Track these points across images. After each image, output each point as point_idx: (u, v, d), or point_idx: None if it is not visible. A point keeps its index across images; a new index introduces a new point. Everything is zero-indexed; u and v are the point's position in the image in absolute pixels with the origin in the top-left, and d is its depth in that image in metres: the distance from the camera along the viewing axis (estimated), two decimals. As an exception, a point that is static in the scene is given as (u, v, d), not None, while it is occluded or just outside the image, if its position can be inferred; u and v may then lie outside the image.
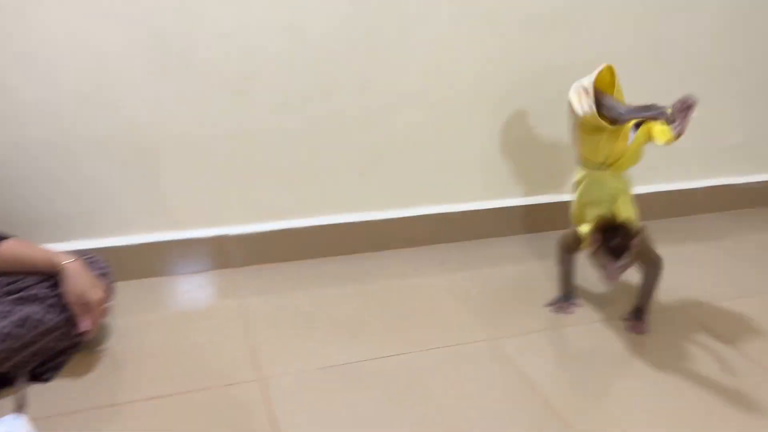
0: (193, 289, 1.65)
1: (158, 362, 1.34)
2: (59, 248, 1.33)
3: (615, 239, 1.32)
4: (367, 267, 1.79)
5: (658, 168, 2.13)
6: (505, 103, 1.87)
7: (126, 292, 1.58)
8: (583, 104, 1.36)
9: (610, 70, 1.39)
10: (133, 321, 1.49)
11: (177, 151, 1.62)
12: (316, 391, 1.26)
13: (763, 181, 2.31)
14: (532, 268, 1.82)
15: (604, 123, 1.35)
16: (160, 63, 1.52)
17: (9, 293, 1.25)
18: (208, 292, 1.65)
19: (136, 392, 1.25)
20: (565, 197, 1.60)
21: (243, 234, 1.74)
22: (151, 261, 1.68)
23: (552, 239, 1.61)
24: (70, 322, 1.27)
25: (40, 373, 1.26)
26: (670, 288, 1.66)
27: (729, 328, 1.53)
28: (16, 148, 1.49)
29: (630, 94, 1.41)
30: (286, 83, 1.64)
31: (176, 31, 1.50)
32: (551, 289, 1.65)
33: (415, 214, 1.91)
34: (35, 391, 1.23)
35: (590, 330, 1.51)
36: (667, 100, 1.29)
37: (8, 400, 1.19)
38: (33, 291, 1.25)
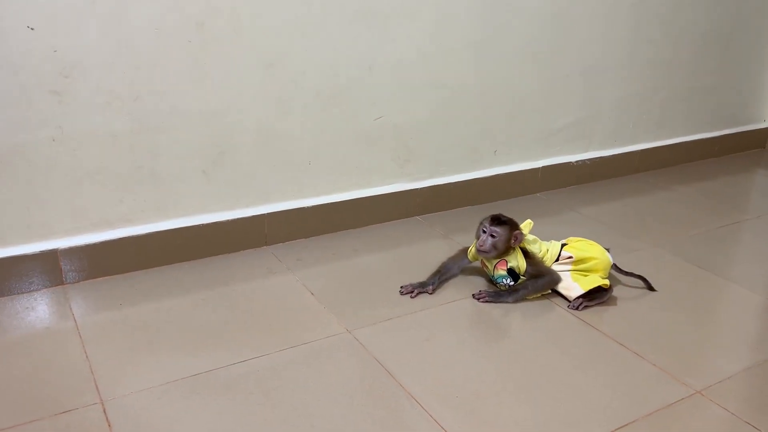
0: (21, 312, 1.50)
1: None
2: None
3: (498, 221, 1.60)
4: (216, 271, 1.73)
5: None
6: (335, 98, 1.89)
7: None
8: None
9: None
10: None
11: (-13, 161, 1.46)
12: (162, 408, 1.20)
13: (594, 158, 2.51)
14: (383, 258, 1.86)
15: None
16: (-43, 62, 1.36)
17: None
18: (40, 313, 1.51)
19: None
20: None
21: (76, 246, 1.61)
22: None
23: (394, 228, 1.65)
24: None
25: None
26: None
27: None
28: None
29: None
30: (109, 80, 1.53)
31: (-27, 26, 1.35)
32: (403, 277, 1.69)
33: (264, 212, 1.87)
34: None
35: (439, 312, 1.57)
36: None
37: None
38: None
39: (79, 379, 1.27)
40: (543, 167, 2.38)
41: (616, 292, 1.69)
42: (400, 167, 2.07)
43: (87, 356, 1.35)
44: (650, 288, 1.72)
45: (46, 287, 1.60)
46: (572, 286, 1.64)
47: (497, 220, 1.60)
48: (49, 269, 1.59)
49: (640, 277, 1.73)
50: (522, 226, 1.63)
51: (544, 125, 2.34)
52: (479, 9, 2.01)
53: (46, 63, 1.45)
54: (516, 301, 1.62)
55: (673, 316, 1.60)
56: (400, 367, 1.34)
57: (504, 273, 1.64)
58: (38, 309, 1.52)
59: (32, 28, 1.41)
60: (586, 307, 1.61)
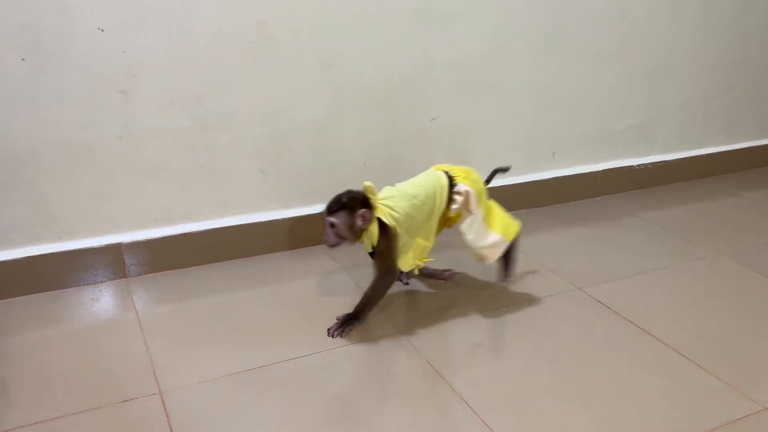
0: (87, 303, 1.57)
1: (50, 383, 1.27)
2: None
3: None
4: (271, 269, 1.77)
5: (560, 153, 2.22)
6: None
7: (13, 309, 1.49)
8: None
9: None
10: (21, 340, 1.40)
11: (59, 158, 1.53)
12: (218, 401, 1.23)
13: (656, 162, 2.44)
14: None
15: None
16: (33, 62, 1.43)
17: None
18: (104, 304, 1.57)
19: (26, 416, 1.17)
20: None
21: (138, 240, 1.67)
22: (40, 275, 1.58)
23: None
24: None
25: None
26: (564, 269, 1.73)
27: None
28: None
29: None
30: (172, 80, 1.58)
31: (46, 27, 1.42)
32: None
33: (320, 211, 1.88)
34: None
35: (492, 316, 1.55)
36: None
37: None
38: None
39: (140, 370, 1.32)
40: (603, 170, 2.32)
41: (678, 297, 1.63)
42: (455, 168, 2.06)
43: (147, 347, 1.39)
44: (493, 175, 1.68)
45: (110, 279, 1.67)
46: (495, 242, 1.52)
47: (331, 207, 1.40)
48: (114, 262, 1.66)
49: (494, 172, 1.69)
50: (368, 188, 1.39)
51: (606, 127, 2.29)
52: (540, 7, 1.98)
53: (114, 63, 1.50)
54: (363, 318, 1.47)
55: (739, 327, 1.54)
56: (451, 370, 1.34)
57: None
58: (102, 300, 1.58)
59: (102, 30, 1.47)
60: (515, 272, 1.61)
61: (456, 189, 1.49)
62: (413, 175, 1.57)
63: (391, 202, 1.43)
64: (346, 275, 1.74)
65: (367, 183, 1.40)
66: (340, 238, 1.41)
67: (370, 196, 1.39)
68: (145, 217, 1.68)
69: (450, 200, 1.49)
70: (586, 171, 2.29)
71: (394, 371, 1.34)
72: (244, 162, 1.75)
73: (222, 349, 1.40)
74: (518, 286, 1.69)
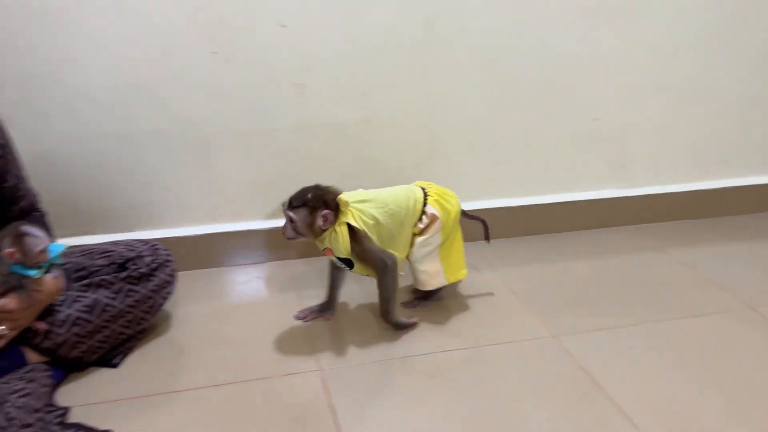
0: (251, 281, 1.70)
1: (218, 351, 1.39)
2: (126, 237, 1.41)
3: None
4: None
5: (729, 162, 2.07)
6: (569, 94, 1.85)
7: (188, 281, 1.64)
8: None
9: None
10: (194, 310, 1.54)
11: (237, 145, 1.66)
12: (374, 383, 1.29)
13: None
14: (591, 265, 1.80)
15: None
16: (222, 56, 1.56)
17: (78, 279, 1.31)
18: (266, 283, 1.69)
19: (197, 380, 1.29)
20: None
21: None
22: (211, 251, 1.73)
23: (603, 235, 1.58)
24: (137, 308, 1.32)
25: (109, 359, 1.32)
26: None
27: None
28: (85, 141, 1.56)
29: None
30: (343, 75, 1.66)
31: (237, 23, 1.54)
32: (610, 289, 1.62)
33: (473, 208, 1.89)
34: (103, 376, 1.30)
35: (651, 328, 1.48)
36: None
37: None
38: (101, 277, 1.30)
39: (301, 347, 1.41)
40: (781, 182, 2.13)
41: None
42: (614, 172, 1.99)
43: (310, 328, 1.48)
44: (487, 237, 1.62)
45: (271, 260, 1.79)
46: (437, 271, 1.48)
47: (293, 201, 1.33)
48: (274, 245, 1.77)
49: (481, 220, 1.60)
50: (340, 198, 1.33)
51: (787, 135, 2.10)
52: (714, 2, 1.85)
53: (292, 57, 1.61)
54: (394, 320, 1.45)
55: None
56: (609, 380, 1.29)
57: (337, 260, 1.42)
58: (265, 278, 1.71)
59: (284, 26, 1.57)
60: (421, 306, 1.55)
61: (425, 209, 1.45)
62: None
63: (362, 206, 1.38)
64: (493, 274, 1.73)
65: (341, 193, 1.35)
66: (296, 233, 1.34)
67: (340, 202, 1.33)
68: (308, 204, 1.78)
69: (420, 217, 1.46)
70: (764, 182, 2.11)
71: (548, 375, 1.32)
72: (400, 157, 1.79)
73: (373, 334, 1.45)
74: (684, 300, 1.60)
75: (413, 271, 1.50)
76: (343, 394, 1.25)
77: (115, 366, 1.32)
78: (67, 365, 1.27)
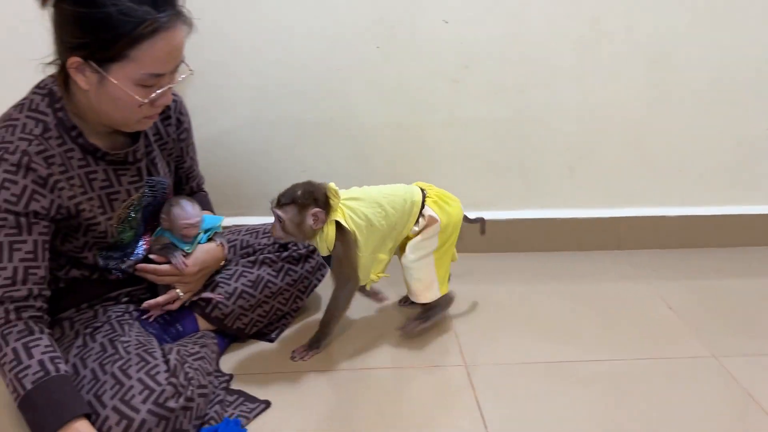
0: (390, 271, 1.72)
1: (364, 336, 1.43)
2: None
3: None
4: (572, 266, 1.76)
5: None
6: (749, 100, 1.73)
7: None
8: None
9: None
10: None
11: (391, 138, 1.70)
12: (520, 385, 1.27)
13: None
14: (752, 284, 1.67)
15: None
16: (384, 50, 1.60)
17: (244, 255, 1.41)
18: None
19: (347, 361, 1.34)
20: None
21: (446, 221, 1.79)
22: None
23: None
24: (294, 287, 1.39)
25: (266, 333, 1.41)
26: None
27: None
28: (253, 127, 1.67)
29: None
30: (500, 72, 1.65)
31: (401, 18, 1.58)
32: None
33: (622, 215, 1.83)
34: (261, 349, 1.38)
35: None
36: None
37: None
38: (265, 255, 1.39)
39: (445, 341, 1.42)
40: None
41: None
42: (787, 186, 1.83)
43: (452, 322, 1.49)
44: (482, 230, 1.51)
45: (416, 253, 1.82)
46: (431, 281, 1.37)
47: (281, 199, 1.24)
48: (422, 238, 1.80)
49: (480, 219, 1.50)
50: (330, 189, 1.25)
51: None
52: None
53: (452, 53, 1.62)
54: (326, 336, 1.36)
55: None
56: (778, 408, 1.20)
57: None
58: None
59: (446, 22, 1.59)
60: (423, 330, 1.41)
61: (423, 211, 1.35)
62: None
63: (354, 204, 1.28)
64: (647, 285, 1.66)
65: (331, 184, 1.27)
66: (284, 233, 1.25)
67: (330, 196, 1.24)
68: (454, 200, 1.79)
69: (417, 220, 1.35)
70: None
71: (707, 396, 1.24)
72: (552, 157, 1.76)
73: (521, 337, 1.43)
74: None
75: (406, 278, 1.38)
76: (488, 391, 1.25)
77: (272, 341, 1.40)
78: (230, 335, 1.37)
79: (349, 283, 1.31)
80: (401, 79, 1.64)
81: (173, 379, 1.03)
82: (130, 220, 1.18)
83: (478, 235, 1.77)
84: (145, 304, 1.25)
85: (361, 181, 1.73)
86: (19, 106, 1.06)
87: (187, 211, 1.24)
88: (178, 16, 1.01)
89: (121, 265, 1.22)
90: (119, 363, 1.05)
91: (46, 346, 0.99)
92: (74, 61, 0.98)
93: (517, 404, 1.22)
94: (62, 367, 0.98)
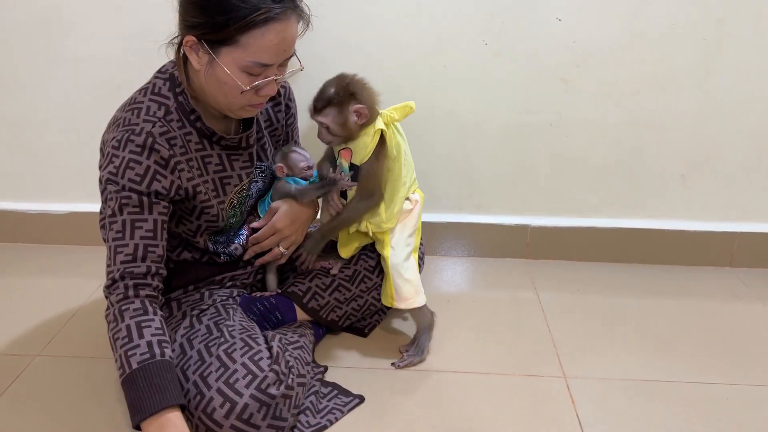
0: (491, 273, 1.71)
1: (458, 338, 1.41)
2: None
3: None
4: (680, 281, 1.67)
5: None
6: None
7: (430, 266, 1.69)
8: None
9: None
10: (432, 295, 1.58)
11: (493, 138, 1.67)
12: (623, 402, 1.22)
13: None
14: None
15: None
16: (492, 47, 1.57)
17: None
18: (507, 279, 1.68)
19: (441, 362, 1.33)
20: None
21: (545, 226, 1.74)
22: (455, 240, 1.77)
23: None
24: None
25: (359, 328, 1.41)
26: None
27: None
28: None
29: None
30: (614, 73, 1.58)
31: (511, 15, 1.54)
32: None
33: (737, 230, 1.72)
34: (354, 343, 1.38)
35: None
36: None
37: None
38: (363, 252, 1.39)
39: (543, 350, 1.38)
40: None
41: None
42: None
43: (549, 330, 1.45)
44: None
45: (511, 257, 1.78)
46: (418, 284, 1.29)
47: (316, 104, 1.18)
48: (518, 242, 1.76)
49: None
50: (393, 108, 1.21)
51: None
52: None
53: (564, 52, 1.57)
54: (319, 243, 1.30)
55: None
56: None
57: (346, 165, 1.24)
58: (505, 275, 1.70)
59: (559, 19, 1.54)
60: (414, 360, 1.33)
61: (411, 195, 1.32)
62: None
63: (397, 116, 1.23)
64: (762, 306, 1.55)
65: (410, 103, 1.22)
66: (331, 136, 1.21)
67: (370, 93, 1.20)
68: (555, 204, 1.73)
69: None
70: None
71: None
72: (664, 163, 1.67)
73: (623, 351, 1.37)
74: None
75: (395, 280, 1.28)
76: (589, 406, 1.20)
77: (365, 335, 1.41)
78: (325, 326, 1.38)
79: (372, 197, 1.24)
80: (508, 77, 1.60)
81: (275, 366, 1.05)
82: (239, 204, 1.22)
83: (582, 242, 1.73)
84: (249, 239, 1.28)
85: (462, 180, 1.72)
86: (143, 90, 1.11)
87: (303, 154, 1.30)
88: (293, 10, 1.03)
89: (228, 248, 1.25)
90: (224, 346, 1.08)
91: (157, 329, 1.00)
92: (189, 39, 1.03)
93: (622, 425, 1.16)
94: (167, 352, 0.99)
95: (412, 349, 1.33)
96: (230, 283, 1.29)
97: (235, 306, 1.23)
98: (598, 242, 1.74)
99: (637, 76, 1.59)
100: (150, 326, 1.00)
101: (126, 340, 0.98)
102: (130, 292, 1.02)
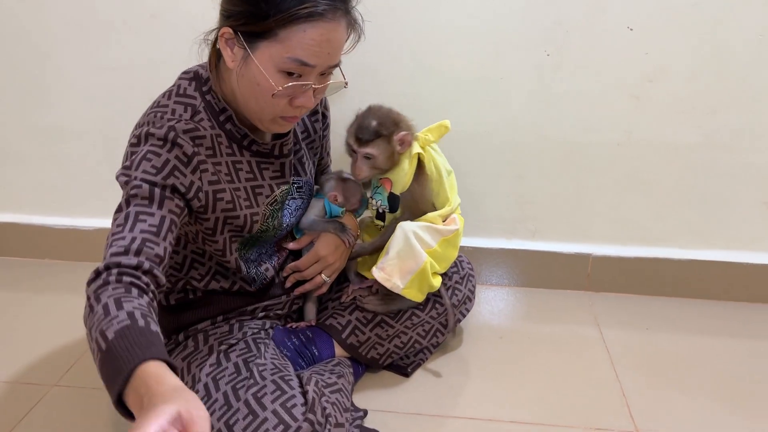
0: (548, 305, 1.57)
1: (510, 382, 1.28)
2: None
3: None
4: (761, 321, 1.51)
5: None
6: None
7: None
8: None
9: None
10: (483, 328, 1.46)
11: (551, 157, 1.54)
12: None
13: None
14: None
15: None
16: (554, 59, 1.45)
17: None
18: (565, 312, 1.55)
19: (495, 410, 1.20)
20: None
21: (608, 256, 1.60)
22: (507, 268, 1.64)
23: None
24: (437, 320, 1.27)
25: (401, 367, 1.29)
26: None
27: None
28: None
29: None
30: (691, 89, 1.44)
31: (576, 24, 1.42)
32: None
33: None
34: (395, 384, 1.27)
35: None
36: None
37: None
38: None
39: (610, 397, 1.24)
40: None
41: None
42: None
43: (616, 374, 1.31)
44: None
45: (570, 288, 1.64)
46: (408, 270, 1.16)
47: (361, 136, 1.14)
48: (578, 272, 1.62)
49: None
50: (428, 129, 1.21)
51: None
52: None
53: (634, 66, 1.44)
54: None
55: None
56: None
57: (384, 195, 1.21)
58: (563, 307, 1.57)
59: (631, 29, 1.41)
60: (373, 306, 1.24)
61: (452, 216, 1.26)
62: None
63: (432, 138, 1.22)
64: None
65: (446, 122, 1.22)
66: (375, 169, 1.18)
67: (404, 121, 1.18)
68: (619, 232, 1.60)
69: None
70: None
71: None
72: (743, 190, 1.52)
73: (700, 399, 1.23)
74: None
75: (390, 243, 1.17)
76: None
77: (407, 375, 1.29)
78: (364, 364, 1.27)
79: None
80: (572, 91, 1.48)
81: (310, 416, 0.94)
82: (272, 218, 1.12)
83: (649, 274, 1.58)
84: (288, 267, 1.20)
85: (516, 202, 1.59)
86: (168, 93, 1.02)
87: (357, 183, 1.23)
88: (343, 12, 0.94)
89: (259, 268, 1.15)
90: (254, 389, 0.97)
91: (141, 304, 0.79)
92: (226, 31, 0.94)
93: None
94: (154, 326, 0.77)
95: (379, 298, 1.24)
96: (263, 314, 1.19)
97: (267, 341, 1.12)
98: (667, 275, 1.59)
99: (716, 92, 1.44)
100: (131, 301, 0.79)
101: (102, 317, 0.76)
102: (111, 278, 0.81)
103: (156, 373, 0.68)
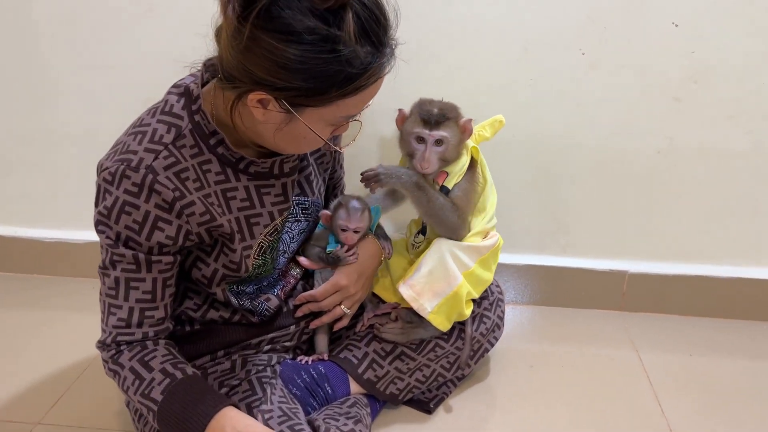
0: (581, 326, 1.47)
1: (553, 412, 1.19)
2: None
3: None
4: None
5: None
6: None
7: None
8: None
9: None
10: (511, 353, 1.35)
11: (584, 164, 1.43)
12: None
13: None
14: None
15: None
16: (590, 57, 1.34)
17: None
18: (600, 333, 1.45)
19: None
20: None
21: (646, 273, 1.49)
22: (535, 285, 1.53)
23: None
24: (463, 350, 1.17)
25: (423, 402, 1.19)
26: None
27: None
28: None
29: None
30: (740, 91, 1.33)
31: (615, 21, 1.30)
32: None
33: None
34: (415, 422, 1.16)
35: None
36: None
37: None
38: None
39: (651, 417, 1.18)
40: None
41: None
42: None
43: (659, 403, 1.22)
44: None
45: (603, 308, 1.53)
46: (438, 292, 1.07)
47: (435, 118, 1.06)
48: (612, 290, 1.51)
49: None
50: (482, 125, 1.17)
51: None
52: None
53: (678, 65, 1.33)
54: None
55: None
56: None
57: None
58: (597, 328, 1.46)
59: (676, 25, 1.30)
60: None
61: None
62: None
63: (488, 134, 1.18)
64: None
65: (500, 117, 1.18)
66: (442, 162, 1.09)
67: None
68: (659, 247, 1.49)
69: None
70: None
71: None
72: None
73: (748, 425, 1.15)
74: None
75: (425, 258, 1.09)
76: None
77: (429, 412, 1.18)
78: (382, 400, 1.16)
79: (462, 224, 1.12)
80: (608, 93, 1.36)
81: (324, 473, 0.84)
82: (270, 250, 1.01)
83: (690, 293, 1.48)
84: (302, 296, 1.09)
85: (546, 214, 1.48)
86: (153, 110, 0.91)
87: (352, 215, 1.07)
88: (393, 55, 0.85)
89: (255, 300, 1.05)
90: (259, 442, 0.87)
91: (164, 355, 0.91)
92: (259, 95, 0.81)
93: None
94: (188, 370, 0.90)
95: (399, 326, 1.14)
96: (269, 347, 1.09)
97: (274, 380, 1.02)
98: (710, 294, 1.48)
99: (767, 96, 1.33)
100: (155, 357, 0.90)
101: (137, 382, 0.89)
102: (122, 347, 0.93)
103: (230, 416, 0.85)
